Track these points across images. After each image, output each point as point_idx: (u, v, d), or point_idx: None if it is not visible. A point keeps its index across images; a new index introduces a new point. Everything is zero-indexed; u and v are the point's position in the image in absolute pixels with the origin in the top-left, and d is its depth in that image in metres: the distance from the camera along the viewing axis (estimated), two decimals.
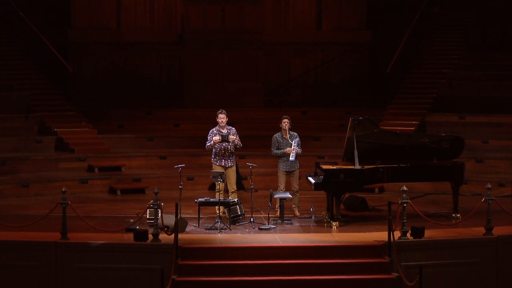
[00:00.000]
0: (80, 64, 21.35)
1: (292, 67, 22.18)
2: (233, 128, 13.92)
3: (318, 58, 22.15)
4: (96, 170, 17.95)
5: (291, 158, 13.90)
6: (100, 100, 21.09)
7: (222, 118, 13.77)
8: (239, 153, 17.29)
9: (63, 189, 11.90)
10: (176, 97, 21.52)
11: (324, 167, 13.52)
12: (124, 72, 21.54)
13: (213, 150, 13.80)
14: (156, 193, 11.76)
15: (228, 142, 13.66)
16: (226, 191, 14.06)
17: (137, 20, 21.80)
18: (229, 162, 13.81)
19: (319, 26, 22.21)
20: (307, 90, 22.02)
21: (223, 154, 13.75)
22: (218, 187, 13.56)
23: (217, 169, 13.75)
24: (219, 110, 13.90)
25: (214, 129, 13.88)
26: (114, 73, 21.54)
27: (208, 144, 13.78)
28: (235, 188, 13.91)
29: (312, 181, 13.65)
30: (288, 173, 14.13)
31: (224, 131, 13.75)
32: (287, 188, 14.21)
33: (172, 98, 21.50)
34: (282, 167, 14.13)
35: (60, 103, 20.00)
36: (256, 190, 15.34)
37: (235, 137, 13.76)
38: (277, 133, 14.14)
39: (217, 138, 13.68)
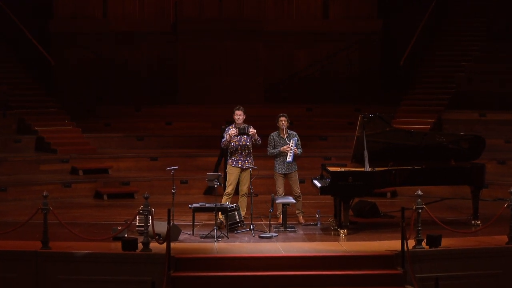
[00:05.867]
0: (63, 56, 21.33)
1: (295, 59, 22.19)
2: (250, 126, 13.92)
3: (325, 49, 22.15)
4: (81, 172, 17.96)
5: (288, 158, 13.88)
6: (85, 96, 21.11)
7: (238, 115, 13.83)
8: None
9: (44, 194, 11.90)
10: (168, 92, 21.53)
11: (331, 169, 13.53)
12: (111, 65, 21.54)
13: (230, 149, 13.84)
14: (146, 198, 11.76)
15: (248, 135, 13.69)
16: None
17: (125, 8, 21.80)
18: (246, 163, 13.84)
19: (326, 14, 22.23)
20: (313, 84, 22.03)
21: (240, 153, 13.79)
22: (229, 191, 13.63)
23: (232, 171, 13.80)
24: (236, 107, 13.95)
25: (230, 126, 13.95)
26: (100, 66, 21.55)
27: (223, 140, 13.84)
28: (246, 192, 13.93)
29: (318, 184, 13.66)
30: (286, 176, 14.14)
31: (254, 130, 13.79)
32: (288, 193, 14.21)
33: (164, 93, 21.52)
34: (278, 169, 14.14)
35: (41, 99, 20.01)
36: (256, 195, 15.37)
37: (255, 131, 13.78)
38: (274, 132, 14.15)
39: (233, 131, 13.71)
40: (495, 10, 21.42)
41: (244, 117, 13.91)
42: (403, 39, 21.02)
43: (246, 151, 13.86)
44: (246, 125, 13.80)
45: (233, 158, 13.89)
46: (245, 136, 13.78)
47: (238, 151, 13.84)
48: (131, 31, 21.63)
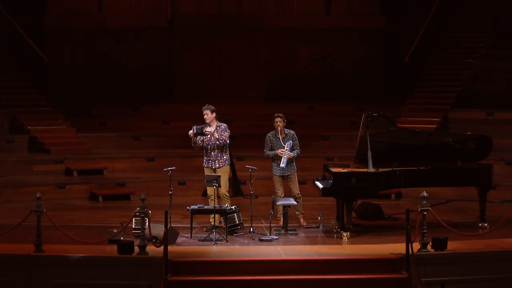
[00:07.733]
0: (57, 53, 21.33)
1: (296, 56, 22.17)
2: (224, 124, 13.86)
3: (327, 46, 22.14)
4: (75, 173, 17.96)
5: (282, 164, 13.86)
6: (80, 94, 21.10)
7: (205, 114, 13.76)
8: (237, 154, 17.30)
9: (38, 195, 11.88)
10: (165, 91, 21.53)
11: (333, 170, 13.51)
12: (107, 62, 21.51)
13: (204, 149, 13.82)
14: (142, 200, 11.75)
15: (203, 135, 13.60)
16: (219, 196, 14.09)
17: (121, 3, 21.79)
18: (216, 163, 13.80)
19: (328, 10, 22.21)
20: (314, 83, 22.01)
21: (210, 153, 13.75)
22: (209, 193, 13.57)
23: (206, 172, 13.76)
24: (204, 105, 13.87)
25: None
26: (95, 64, 21.53)
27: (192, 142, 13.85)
28: (226, 194, 13.83)
29: (320, 186, 13.64)
30: (284, 178, 14.12)
31: (211, 129, 13.72)
32: (288, 194, 14.19)
33: (161, 92, 21.51)
34: (275, 171, 14.12)
35: (34, 98, 20.00)
36: (256, 196, 15.36)
37: (212, 129, 13.67)
38: (270, 132, 14.13)
39: (190, 132, 13.66)
40: (503, 6, 21.39)
41: (214, 115, 13.75)
42: (408, 37, 21.01)
43: (216, 150, 13.77)
44: (216, 130, 13.65)
45: (205, 158, 13.85)
46: (215, 135, 13.64)
47: (208, 151, 13.78)
48: (127, 28, 21.63)
